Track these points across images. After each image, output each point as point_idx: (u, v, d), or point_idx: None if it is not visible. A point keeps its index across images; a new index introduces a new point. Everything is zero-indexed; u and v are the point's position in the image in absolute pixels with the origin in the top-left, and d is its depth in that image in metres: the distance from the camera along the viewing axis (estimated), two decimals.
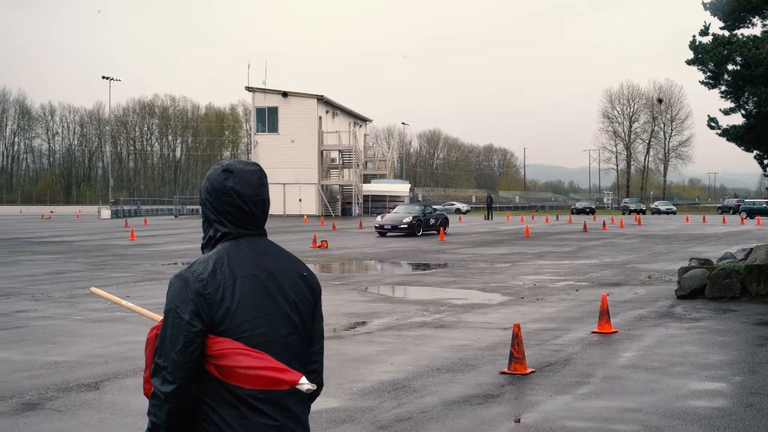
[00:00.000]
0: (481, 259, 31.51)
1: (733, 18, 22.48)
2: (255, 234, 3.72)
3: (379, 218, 50.31)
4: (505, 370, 11.49)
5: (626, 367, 11.93)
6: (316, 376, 3.72)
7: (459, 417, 9.24)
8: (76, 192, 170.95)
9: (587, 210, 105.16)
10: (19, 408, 9.70)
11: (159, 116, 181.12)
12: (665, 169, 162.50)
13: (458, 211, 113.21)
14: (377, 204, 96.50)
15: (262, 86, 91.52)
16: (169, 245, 40.95)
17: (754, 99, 21.87)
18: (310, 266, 27.14)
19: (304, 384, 3.31)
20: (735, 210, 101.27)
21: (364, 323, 16.01)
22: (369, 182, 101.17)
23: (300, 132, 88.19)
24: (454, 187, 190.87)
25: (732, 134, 23.06)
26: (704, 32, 22.30)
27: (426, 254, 34.05)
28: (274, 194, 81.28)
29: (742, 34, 22.09)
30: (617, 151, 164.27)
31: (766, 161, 23.76)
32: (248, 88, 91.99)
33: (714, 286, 19.17)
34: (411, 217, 48.16)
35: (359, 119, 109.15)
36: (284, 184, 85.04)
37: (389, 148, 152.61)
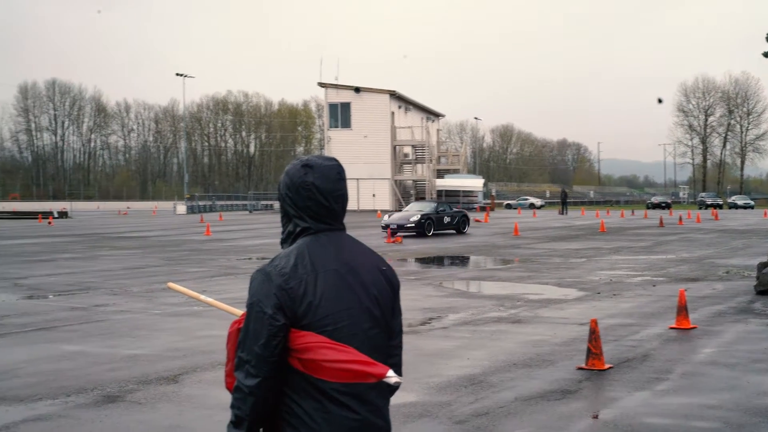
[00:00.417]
0: (555, 254, 31.31)
1: None
2: (334, 229, 3.72)
3: (386, 217, 46.20)
4: (583, 365, 11.38)
5: (705, 364, 11.75)
6: (396, 370, 3.72)
7: (536, 412, 9.18)
8: (151, 188, 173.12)
9: (663, 204, 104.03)
10: (101, 400, 9.85)
11: (232, 112, 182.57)
12: (742, 162, 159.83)
13: (532, 206, 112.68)
14: (451, 199, 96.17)
15: (335, 82, 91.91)
16: (244, 240, 41.31)
17: None
18: None
19: (392, 377, 3.30)
20: None
21: (439, 318, 16.01)
22: (442, 177, 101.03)
23: (373, 127, 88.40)
24: (528, 182, 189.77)
25: None
26: None
27: (501, 249, 33.91)
28: (348, 189, 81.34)
29: None
30: (693, 145, 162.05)
31: None
32: (321, 84, 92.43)
33: None
34: (419, 216, 43.66)
35: (432, 114, 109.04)
36: (358, 179, 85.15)
37: (462, 143, 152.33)
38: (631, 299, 18.64)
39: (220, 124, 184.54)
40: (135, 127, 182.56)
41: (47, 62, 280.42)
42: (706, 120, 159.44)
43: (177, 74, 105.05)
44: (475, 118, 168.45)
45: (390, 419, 3.65)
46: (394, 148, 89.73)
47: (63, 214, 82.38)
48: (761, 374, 11.02)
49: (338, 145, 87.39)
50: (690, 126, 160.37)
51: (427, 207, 46.45)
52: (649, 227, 51.84)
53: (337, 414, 3.44)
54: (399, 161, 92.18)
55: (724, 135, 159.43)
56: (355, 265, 3.64)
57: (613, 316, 16.03)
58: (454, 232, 45.59)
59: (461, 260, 29.56)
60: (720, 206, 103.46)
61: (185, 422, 8.99)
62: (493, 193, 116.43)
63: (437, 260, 29.64)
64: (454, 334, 14.27)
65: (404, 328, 15.03)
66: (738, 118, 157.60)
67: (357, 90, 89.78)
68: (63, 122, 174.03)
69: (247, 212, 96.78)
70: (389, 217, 45.63)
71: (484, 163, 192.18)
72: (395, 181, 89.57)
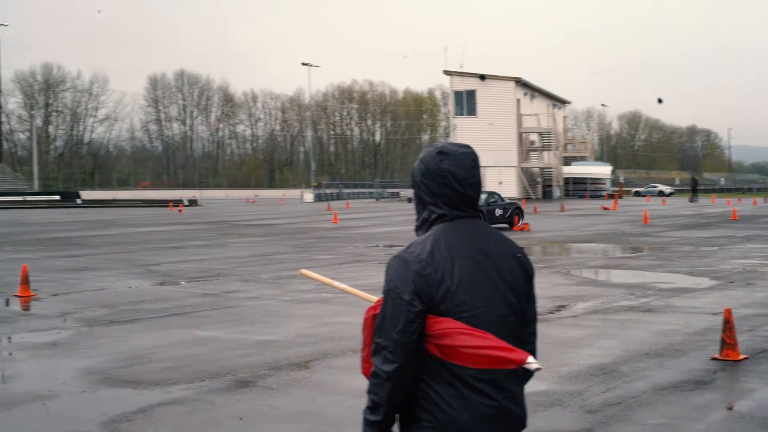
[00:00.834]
0: (686, 242, 30.71)
1: None
2: (469, 215, 3.72)
3: None
4: (717, 356, 11.13)
5: None
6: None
7: (670, 403, 9.03)
8: (278, 176, 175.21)
9: None
10: (233, 385, 10.02)
11: (358, 101, 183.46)
12: None
13: (661, 193, 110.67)
14: (578, 187, 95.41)
15: (460, 69, 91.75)
16: (371, 228, 41.57)
17: None
18: None
19: (533, 363, 3.29)
20: None
21: (568, 306, 15.87)
22: (569, 165, 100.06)
23: (498, 115, 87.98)
24: (657, 169, 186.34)
25: None
26: None
27: (630, 237, 33.42)
28: None
29: None
30: None
31: None
32: (446, 72, 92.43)
33: None
34: None
35: (557, 101, 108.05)
36: (484, 166, 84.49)
37: (588, 130, 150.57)
38: (766, 288, 18.16)
39: (345, 113, 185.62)
40: (262, 116, 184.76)
41: (176, 54, 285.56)
42: None
43: (303, 64, 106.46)
44: (602, 105, 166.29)
45: (526, 406, 3.64)
46: (520, 135, 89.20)
47: (193, 202, 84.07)
48: None
49: (464, 133, 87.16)
50: None
51: None
52: None
53: (473, 400, 3.44)
54: (525, 149, 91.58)
55: None
56: (490, 251, 3.64)
57: (747, 306, 15.64)
58: (506, 226, 39.58)
59: (592, 247, 29.20)
60: None
61: (316, 408, 9.09)
62: (621, 181, 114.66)
63: (566, 248, 29.34)
64: (584, 323, 14.13)
65: None
66: None
67: (482, 77, 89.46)
68: (192, 112, 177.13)
69: (373, 200, 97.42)
70: None
71: (611, 150, 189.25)
72: (522, 168, 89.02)
